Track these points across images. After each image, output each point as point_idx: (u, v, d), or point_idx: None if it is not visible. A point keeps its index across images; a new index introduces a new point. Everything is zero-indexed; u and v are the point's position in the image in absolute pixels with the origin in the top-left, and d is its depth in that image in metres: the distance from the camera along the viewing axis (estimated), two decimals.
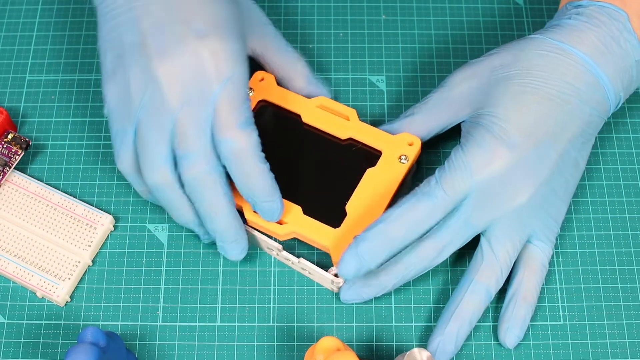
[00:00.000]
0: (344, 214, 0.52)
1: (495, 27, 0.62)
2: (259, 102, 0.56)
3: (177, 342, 0.53)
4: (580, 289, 0.54)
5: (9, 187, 0.56)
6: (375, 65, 0.61)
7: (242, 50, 0.50)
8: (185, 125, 0.49)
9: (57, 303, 0.53)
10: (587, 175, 0.57)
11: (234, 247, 0.51)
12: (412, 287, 0.54)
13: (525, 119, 0.50)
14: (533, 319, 0.53)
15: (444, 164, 0.50)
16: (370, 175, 0.53)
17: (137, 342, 0.53)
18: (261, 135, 0.50)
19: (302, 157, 0.55)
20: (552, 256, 0.55)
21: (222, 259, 0.55)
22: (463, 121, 0.53)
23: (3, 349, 0.52)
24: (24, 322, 0.53)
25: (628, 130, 0.59)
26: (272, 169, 0.51)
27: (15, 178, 0.56)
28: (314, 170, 0.54)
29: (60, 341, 0.53)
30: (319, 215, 0.52)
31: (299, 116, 0.55)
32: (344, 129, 0.55)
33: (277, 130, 0.55)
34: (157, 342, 0.53)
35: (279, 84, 0.57)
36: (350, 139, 0.55)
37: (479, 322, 0.53)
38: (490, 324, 0.53)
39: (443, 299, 0.53)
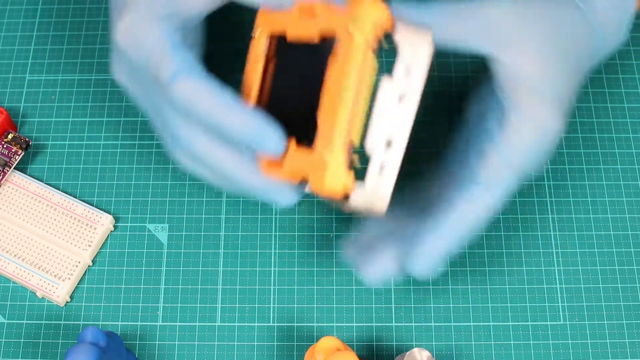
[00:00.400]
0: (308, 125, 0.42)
1: None
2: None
3: (177, 342, 0.53)
4: (580, 289, 0.54)
5: (8, 187, 0.56)
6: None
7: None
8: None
9: (57, 303, 0.53)
10: (587, 175, 0.57)
11: (269, 139, 0.43)
12: (412, 287, 0.54)
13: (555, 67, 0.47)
14: (533, 318, 0.53)
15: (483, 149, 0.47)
16: (332, 70, 0.41)
17: (137, 342, 0.53)
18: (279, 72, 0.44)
19: (291, 81, 0.46)
20: (552, 256, 0.55)
21: (222, 259, 0.55)
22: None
23: (3, 349, 0.52)
24: (24, 322, 0.53)
25: (628, 130, 0.59)
26: (281, 110, 0.44)
27: (15, 178, 0.56)
28: (299, 89, 0.45)
29: (60, 341, 0.53)
30: (307, 141, 0.43)
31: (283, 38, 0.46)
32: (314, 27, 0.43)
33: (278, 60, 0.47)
34: (157, 342, 0.53)
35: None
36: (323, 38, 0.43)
37: (477, 321, 0.53)
38: (491, 324, 0.53)
39: (443, 299, 0.53)
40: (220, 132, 0.44)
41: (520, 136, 0.46)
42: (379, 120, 0.40)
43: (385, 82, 0.39)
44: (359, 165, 0.40)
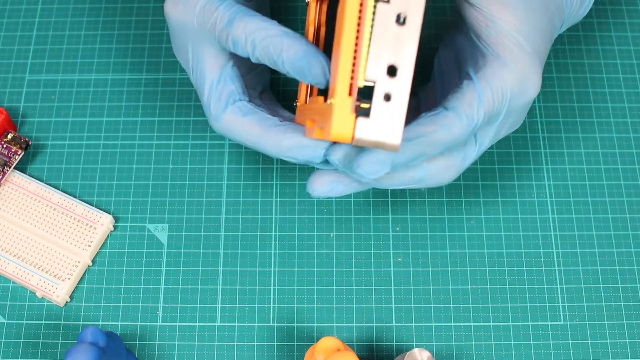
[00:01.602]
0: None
1: None
2: None
3: (177, 342, 0.52)
4: (580, 289, 0.54)
5: (8, 187, 0.56)
6: None
7: None
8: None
9: (56, 303, 0.53)
10: (587, 175, 0.57)
11: (314, 66, 0.43)
12: (412, 287, 0.54)
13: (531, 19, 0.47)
14: (533, 319, 0.53)
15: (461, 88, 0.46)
16: (338, 17, 0.41)
17: (137, 342, 0.53)
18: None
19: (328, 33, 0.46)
20: (552, 256, 0.55)
21: (222, 259, 0.55)
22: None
23: (3, 349, 0.52)
24: (24, 322, 0.53)
25: (628, 130, 0.59)
26: None
27: (15, 178, 0.56)
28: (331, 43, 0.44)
29: (60, 341, 0.53)
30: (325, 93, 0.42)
31: None
32: None
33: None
34: (157, 342, 0.53)
35: None
36: None
37: (478, 322, 0.53)
38: (491, 324, 0.53)
39: (443, 299, 0.53)
40: (275, 62, 0.44)
41: (498, 80, 0.46)
42: (376, 47, 0.38)
43: (381, 4, 0.38)
44: (368, 105, 0.39)
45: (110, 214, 0.55)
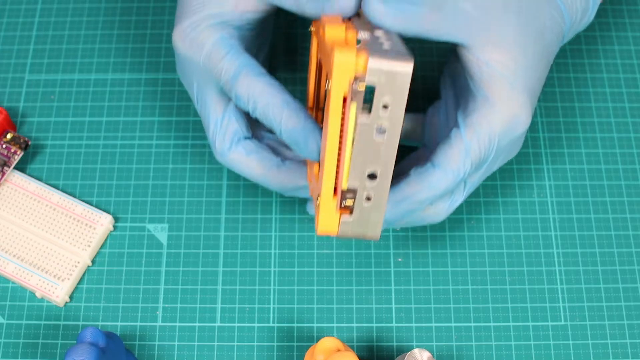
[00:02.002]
0: None
1: None
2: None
3: (176, 343, 0.52)
4: (581, 290, 0.54)
5: (8, 187, 0.56)
6: None
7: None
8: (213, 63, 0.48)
9: (56, 303, 0.53)
10: (587, 175, 0.57)
11: (311, 142, 0.46)
12: (412, 287, 0.54)
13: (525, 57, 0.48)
14: (534, 319, 0.53)
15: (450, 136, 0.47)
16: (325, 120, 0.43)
17: (137, 342, 0.52)
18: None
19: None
20: (553, 256, 0.55)
21: (222, 259, 0.55)
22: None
23: (2, 349, 0.52)
24: (23, 322, 0.53)
25: (629, 130, 0.58)
26: None
27: (15, 178, 0.56)
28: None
29: (59, 341, 0.52)
30: None
31: None
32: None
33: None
34: (156, 343, 0.52)
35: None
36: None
37: (478, 322, 0.53)
38: (491, 324, 0.53)
39: (444, 299, 0.53)
40: (272, 127, 0.46)
41: (486, 126, 0.46)
42: (357, 157, 0.41)
43: (362, 119, 0.40)
44: (352, 202, 0.43)
45: (110, 214, 0.55)
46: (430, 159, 0.47)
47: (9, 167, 0.56)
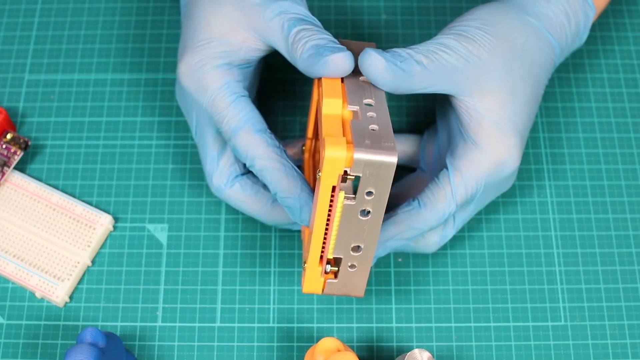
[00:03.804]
0: None
1: None
2: None
3: (176, 343, 0.52)
4: (581, 290, 0.54)
5: (8, 187, 0.56)
6: None
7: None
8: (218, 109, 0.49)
9: (56, 304, 0.53)
10: (588, 176, 0.57)
11: (304, 212, 0.48)
12: (412, 287, 0.54)
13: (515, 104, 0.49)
14: (534, 319, 0.53)
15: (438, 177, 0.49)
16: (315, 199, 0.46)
17: (137, 342, 0.52)
18: None
19: None
20: (553, 256, 0.55)
21: (222, 259, 0.55)
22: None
23: (2, 349, 0.52)
24: (23, 322, 0.53)
25: (629, 129, 0.58)
26: None
27: (15, 178, 0.56)
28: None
29: (59, 342, 0.52)
30: None
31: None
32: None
33: None
34: (156, 343, 0.52)
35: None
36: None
37: (478, 322, 0.53)
38: (491, 324, 0.53)
39: (444, 299, 0.53)
40: (267, 186, 0.49)
41: (473, 171, 0.49)
42: (342, 234, 0.45)
43: (348, 202, 0.43)
44: (337, 268, 0.46)
45: (109, 214, 0.55)
46: (418, 197, 0.49)
47: (9, 167, 0.56)
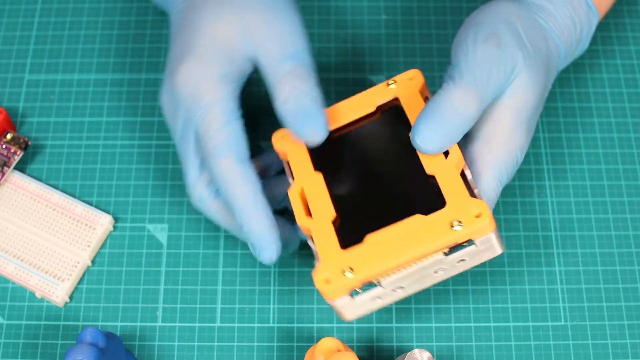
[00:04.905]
0: (359, 240, 0.46)
1: None
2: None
3: (176, 343, 0.52)
4: (581, 290, 0.54)
5: (8, 187, 0.56)
6: (375, 65, 0.61)
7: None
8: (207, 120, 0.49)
9: (56, 304, 0.53)
10: (588, 176, 0.57)
11: (264, 253, 0.48)
12: None
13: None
14: (534, 319, 0.53)
15: None
16: (415, 221, 0.45)
17: (137, 342, 0.52)
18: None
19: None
20: (553, 256, 0.55)
21: (222, 259, 0.55)
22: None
23: (2, 349, 0.52)
24: (23, 322, 0.53)
25: (629, 130, 0.58)
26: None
27: (15, 178, 0.56)
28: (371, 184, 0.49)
29: (59, 342, 0.52)
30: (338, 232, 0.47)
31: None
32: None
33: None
34: (156, 343, 0.52)
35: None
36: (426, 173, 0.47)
37: (478, 322, 0.53)
38: (492, 324, 0.53)
39: (444, 299, 0.53)
40: (235, 219, 0.49)
41: (490, 162, 0.48)
42: (401, 277, 0.45)
43: (439, 256, 0.44)
44: (361, 290, 0.45)
45: (109, 214, 0.55)
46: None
47: (9, 167, 0.56)
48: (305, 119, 0.47)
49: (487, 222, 0.43)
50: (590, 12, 0.52)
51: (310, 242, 0.47)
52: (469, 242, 0.44)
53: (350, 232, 0.46)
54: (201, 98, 0.48)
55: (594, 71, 0.60)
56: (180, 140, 0.50)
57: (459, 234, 0.43)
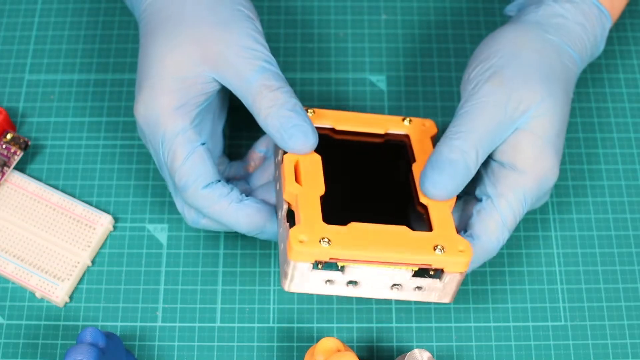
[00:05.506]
0: (342, 223, 0.47)
1: (496, 26, 0.61)
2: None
3: (176, 343, 0.52)
4: (581, 290, 0.54)
5: (8, 187, 0.56)
6: (375, 65, 0.61)
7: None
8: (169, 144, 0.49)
9: (56, 304, 0.53)
10: (588, 176, 0.57)
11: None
12: None
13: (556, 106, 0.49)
14: (534, 319, 0.53)
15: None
16: (401, 230, 0.46)
17: (137, 342, 0.52)
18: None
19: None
20: (553, 256, 0.55)
21: (222, 259, 0.55)
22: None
23: (2, 349, 0.52)
24: (23, 322, 0.53)
25: (629, 129, 0.58)
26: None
27: (15, 178, 0.56)
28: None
29: (59, 342, 0.52)
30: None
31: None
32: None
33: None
34: (156, 343, 0.52)
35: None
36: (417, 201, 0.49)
37: (478, 322, 0.53)
38: (492, 324, 0.53)
39: None
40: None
41: (517, 194, 0.48)
42: (365, 272, 0.46)
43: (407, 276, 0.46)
44: (321, 267, 0.45)
45: (109, 214, 0.55)
46: (470, 230, 0.49)
47: (9, 167, 0.56)
48: (289, 134, 0.47)
49: (466, 260, 0.45)
50: (602, 16, 0.52)
51: (291, 208, 0.47)
52: (437, 273, 0.46)
53: (335, 214, 0.46)
54: (160, 130, 0.48)
55: (594, 72, 0.60)
56: (159, 168, 0.51)
57: (438, 258, 0.45)
